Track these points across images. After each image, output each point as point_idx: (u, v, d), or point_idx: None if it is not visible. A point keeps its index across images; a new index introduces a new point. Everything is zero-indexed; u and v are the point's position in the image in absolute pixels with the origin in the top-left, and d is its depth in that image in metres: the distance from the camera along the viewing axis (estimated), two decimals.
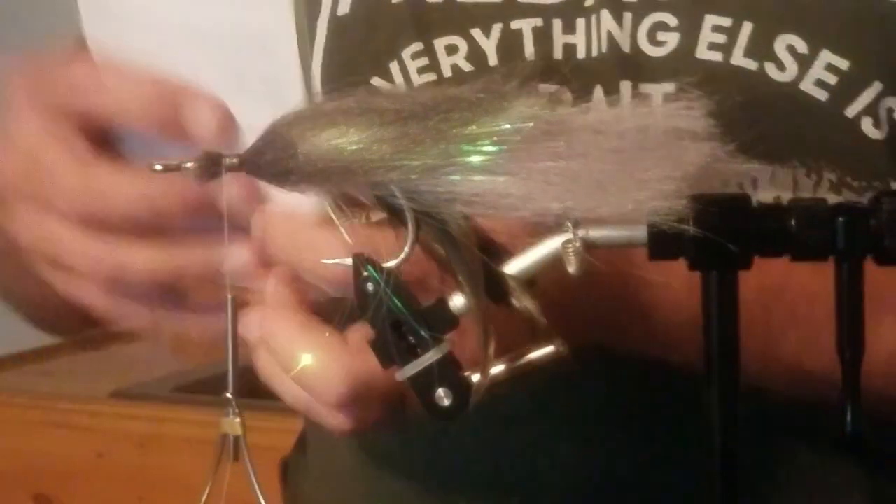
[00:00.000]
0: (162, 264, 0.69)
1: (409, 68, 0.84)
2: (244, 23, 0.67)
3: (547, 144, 0.55)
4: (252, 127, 0.63)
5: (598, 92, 0.81)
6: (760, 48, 0.80)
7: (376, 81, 0.84)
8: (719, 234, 0.55)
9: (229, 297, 0.63)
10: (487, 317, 0.58)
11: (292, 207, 0.64)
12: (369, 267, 0.58)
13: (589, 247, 0.57)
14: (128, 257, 0.69)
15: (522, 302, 0.59)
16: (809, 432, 0.80)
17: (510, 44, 0.83)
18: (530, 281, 0.59)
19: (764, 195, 0.79)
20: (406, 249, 0.57)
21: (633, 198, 0.55)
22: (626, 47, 0.81)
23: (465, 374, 0.59)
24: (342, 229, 0.58)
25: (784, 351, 0.74)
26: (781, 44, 0.80)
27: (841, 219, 0.56)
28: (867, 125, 0.80)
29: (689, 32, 0.81)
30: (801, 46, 0.80)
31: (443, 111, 0.55)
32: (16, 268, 0.75)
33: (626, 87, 0.81)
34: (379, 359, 0.59)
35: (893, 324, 0.71)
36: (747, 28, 0.80)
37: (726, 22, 0.80)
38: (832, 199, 0.79)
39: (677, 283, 0.61)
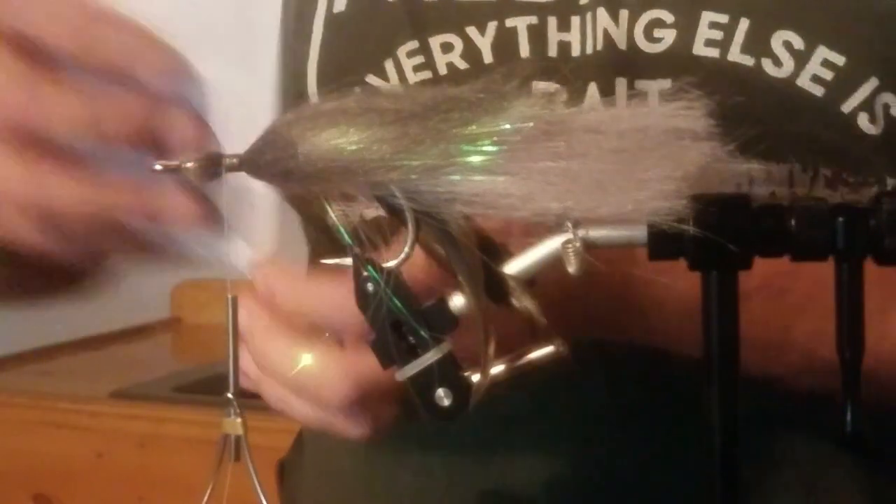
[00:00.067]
0: (92, 200, 0.67)
1: (404, 67, 0.84)
2: None
3: (547, 144, 0.55)
4: (216, 86, 0.64)
5: (593, 89, 0.81)
6: (757, 44, 0.80)
7: (371, 79, 0.84)
8: (719, 234, 0.55)
9: (229, 297, 0.63)
10: (487, 317, 0.58)
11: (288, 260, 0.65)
12: (369, 267, 0.58)
13: (589, 247, 0.57)
14: (58, 189, 0.67)
15: (522, 302, 0.59)
16: (810, 431, 0.80)
17: (505, 42, 0.83)
18: (530, 281, 0.59)
19: (760, 191, 0.79)
20: (406, 249, 0.57)
21: (633, 198, 0.55)
22: (622, 44, 0.82)
23: (465, 374, 0.59)
24: (342, 230, 0.58)
25: (797, 338, 0.74)
26: (778, 40, 0.80)
27: (841, 219, 0.56)
28: (863, 121, 0.80)
29: (686, 29, 0.81)
30: (798, 42, 0.80)
31: (443, 111, 0.55)
32: None
33: (621, 84, 0.81)
34: (379, 359, 0.59)
35: None
36: (744, 24, 0.80)
37: (723, 18, 0.81)
38: (828, 195, 0.80)
39: (681, 279, 0.61)
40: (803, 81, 0.80)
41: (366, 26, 0.86)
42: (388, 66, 0.84)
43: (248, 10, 0.67)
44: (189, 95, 0.66)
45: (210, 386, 1.86)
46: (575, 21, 0.83)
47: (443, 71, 0.84)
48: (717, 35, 0.81)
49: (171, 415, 1.89)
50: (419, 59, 0.84)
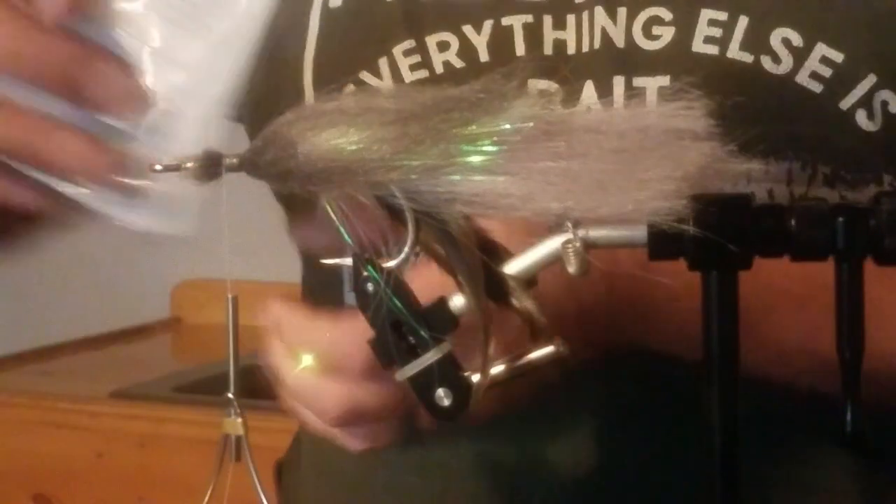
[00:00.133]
0: None
1: (400, 65, 0.84)
2: None
3: (547, 144, 0.55)
4: (186, 64, 0.64)
5: (590, 87, 0.81)
6: (756, 41, 0.80)
7: (365, 76, 0.85)
8: (719, 234, 0.55)
9: (229, 297, 0.63)
10: (487, 317, 0.58)
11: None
12: (369, 267, 0.58)
13: (589, 247, 0.57)
14: None
15: (522, 302, 0.59)
16: (809, 431, 0.80)
17: (501, 40, 0.83)
18: (530, 281, 0.59)
19: (758, 188, 0.80)
20: (406, 249, 0.57)
21: (633, 198, 0.55)
22: (620, 42, 0.82)
23: (465, 374, 0.59)
24: (342, 230, 0.58)
25: (800, 334, 0.74)
26: (777, 37, 0.80)
27: (841, 219, 0.56)
28: (861, 118, 0.80)
29: (685, 26, 0.81)
30: (797, 39, 0.80)
31: (443, 111, 0.55)
32: None
33: (618, 82, 0.81)
34: (379, 359, 0.59)
35: None
36: (743, 22, 0.81)
37: (722, 16, 0.81)
38: (826, 192, 0.80)
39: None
40: (802, 78, 0.80)
41: (362, 23, 0.86)
42: (383, 63, 0.84)
43: None
44: (121, 52, 0.65)
45: (210, 386, 1.86)
46: (570, 19, 0.83)
47: (439, 70, 0.84)
48: (717, 32, 0.81)
49: (171, 415, 1.89)
50: (416, 58, 0.84)
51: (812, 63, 0.80)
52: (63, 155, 0.65)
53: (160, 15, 0.67)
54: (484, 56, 0.84)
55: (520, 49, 0.83)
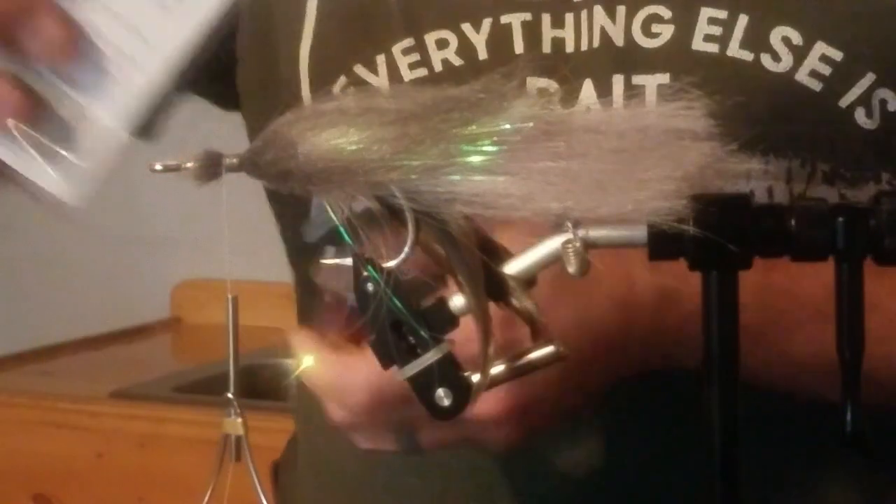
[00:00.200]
0: None
1: (399, 64, 0.84)
2: None
3: (547, 144, 0.55)
4: (137, 29, 0.64)
5: (588, 86, 0.81)
6: (756, 40, 0.81)
7: (360, 70, 0.85)
8: (719, 234, 0.55)
9: (229, 297, 0.63)
10: (487, 317, 0.58)
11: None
12: (369, 267, 0.58)
13: (589, 247, 0.57)
14: None
15: (522, 302, 0.59)
16: (810, 431, 0.80)
17: (500, 38, 0.83)
18: (530, 281, 0.59)
19: (758, 186, 0.80)
20: (406, 249, 0.57)
21: (633, 198, 0.55)
22: (619, 41, 0.82)
23: (465, 374, 0.59)
24: (342, 229, 0.58)
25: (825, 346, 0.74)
26: (777, 36, 0.81)
27: (841, 219, 0.56)
28: (860, 115, 0.80)
29: (685, 24, 0.81)
30: (796, 38, 0.80)
31: (443, 111, 0.55)
32: None
33: (618, 81, 0.81)
34: (379, 359, 0.59)
35: None
36: (743, 20, 0.81)
37: (722, 14, 0.81)
38: (825, 189, 0.80)
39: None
40: (802, 76, 0.80)
41: (360, 16, 0.86)
42: (380, 60, 0.85)
43: None
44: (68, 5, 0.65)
45: (210, 386, 1.86)
46: (569, 18, 0.83)
47: (438, 68, 0.84)
48: (717, 31, 0.81)
49: (171, 415, 1.89)
50: (415, 57, 0.84)
51: (812, 61, 0.80)
52: None
53: None
54: (483, 54, 0.84)
55: (519, 47, 0.83)
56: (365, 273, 0.58)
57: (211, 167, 0.58)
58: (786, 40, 0.80)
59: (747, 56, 0.81)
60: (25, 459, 1.95)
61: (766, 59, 0.80)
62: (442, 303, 0.58)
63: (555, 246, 0.57)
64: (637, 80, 0.81)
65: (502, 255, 0.59)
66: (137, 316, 2.40)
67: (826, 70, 0.80)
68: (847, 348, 0.57)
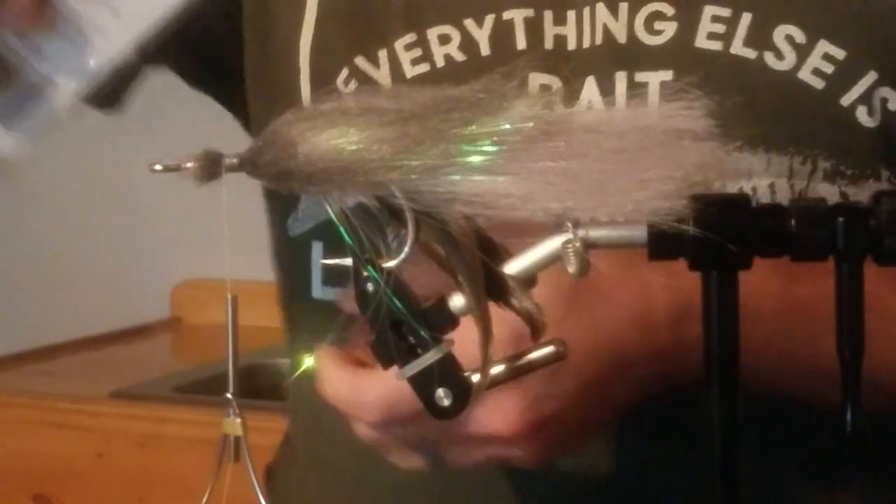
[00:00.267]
0: None
1: (401, 59, 0.84)
2: None
3: (547, 144, 0.55)
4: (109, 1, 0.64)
5: (591, 83, 0.81)
6: (759, 38, 0.81)
7: (360, 62, 0.85)
8: (719, 234, 0.55)
9: (229, 297, 0.63)
10: (487, 317, 0.58)
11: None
12: (369, 267, 0.58)
13: (589, 247, 0.57)
14: None
15: (522, 302, 0.59)
16: (810, 431, 0.80)
17: (502, 34, 0.83)
18: (530, 281, 0.59)
19: (760, 183, 0.80)
20: (406, 249, 0.57)
21: (633, 198, 0.55)
22: (621, 38, 0.82)
23: (465, 374, 0.59)
24: (342, 229, 0.58)
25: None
26: (780, 34, 0.81)
27: (841, 219, 0.56)
28: (861, 114, 0.81)
29: (688, 22, 0.82)
30: (799, 36, 0.81)
31: (443, 111, 0.55)
32: None
33: (620, 78, 0.81)
34: (379, 359, 0.59)
35: None
36: (746, 18, 0.81)
37: (725, 12, 0.81)
38: (826, 187, 0.80)
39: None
40: (804, 74, 0.81)
41: (362, 10, 0.86)
42: (382, 55, 0.85)
43: None
44: None
45: (210, 386, 1.86)
46: (571, 15, 0.83)
47: (440, 63, 0.84)
48: (720, 28, 0.81)
49: (171, 415, 1.89)
50: (417, 52, 0.84)
51: (814, 60, 0.81)
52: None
53: None
54: (485, 50, 0.84)
55: (521, 43, 0.83)
56: (365, 273, 0.58)
57: (211, 167, 0.58)
58: (789, 38, 0.81)
59: (750, 54, 0.81)
60: (25, 459, 1.94)
61: (769, 57, 0.81)
62: (442, 303, 0.58)
63: (555, 246, 0.57)
64: (640, 77, 0.81)
65: (502, 255, 0.59)
66: (137, 316, 2.40)
67: (828, 68, 0.80)
68: (847, 348, 0.57)
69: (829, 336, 0.73)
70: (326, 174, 0.56)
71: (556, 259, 0.58)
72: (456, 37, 0.84)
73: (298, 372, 0.67)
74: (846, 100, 0.81)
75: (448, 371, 0.58)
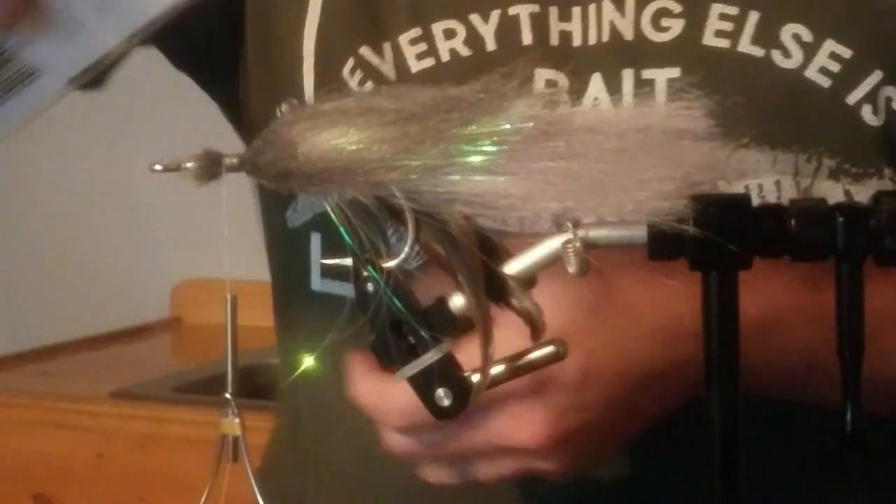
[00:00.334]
0: None
1: (406, 54, 0.84)
2: None
3: (547, 144, 0.55)
4: None
5: (597, 79, 0.81)
6: (767, 36, 0.81)
7: (365, 51, 0.85)
8: (719, 234, 0.55)
9: (228, 297, 0.63)
10: (487, 317, 0.58)
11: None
12: (369, 267, 0.58)
13: (589, 247, 0.57)
14: None
15: (522, 302, 0.59)
16: (810, 431, 0.80)
17: (508, 29, 0.83)
18: (530, 281, 0.59)
19: (766, 179, 0.80)
20: (406, 249, 0.57)
21: (633, 198, 0.55)
22: (628, 35, 0.82)
23: (465, 374, 0.59)
24: (342, 229, 0.58)
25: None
26: (787, 32, 0.81)
27: (841, 219, 0.56)
28: (867, 112, 0.81)
29: (695, 19, 0.82)
30: (807, 35, 0.81)
31: (443, 111, 0.55)
32: None
33: (627, 75, 0.81)
34: (379, 359, 0.59)
35: None
36: (754, 17, 0.82)
37: (732, 10, 0.82)
38: (830, 185, 0.80)
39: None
40: (811, 73, 0.81)
41: (366, 4, 0.86)
42: (386, 47, 0.85)
43: None
44: None
45: (210, 386, 1.86)
46: (576, 12, 0.84)
47: (445, 57, 0.84)
48: (727, 26, 0.82)
49: (171, 415, 1.88)
50: (422, 47, 0.84)
51: (821, 59, 0.81)
52: None
53: None
54: (491, 45, 0.84)
55: (527, 38, 0.83)
56: (365, 273, 0.58)
57: (211, 167, 0.58)
58: (796, 37, 0.81)
59: (758, 52, 0.81)
60: (25, 459, 1.94)
61: (776, 56, 0.81)
62: (442, 303, 0.58)
63: (555, 246, 0.57)
64: (647, 74, 0.81)
65: (502, 255, 0.59)
66: (137, 316, 2.39)
67: (835, 67, 0.81)
68: (847, 348, 0.57)
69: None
70: (326, 174, 0.56)
71: (556, 259, 0.58)
72: (461, 31, 0.84)
73: (298, 371, 0.67)
74: (852, 98, 0.81)
75: (448, 371, 0.58)
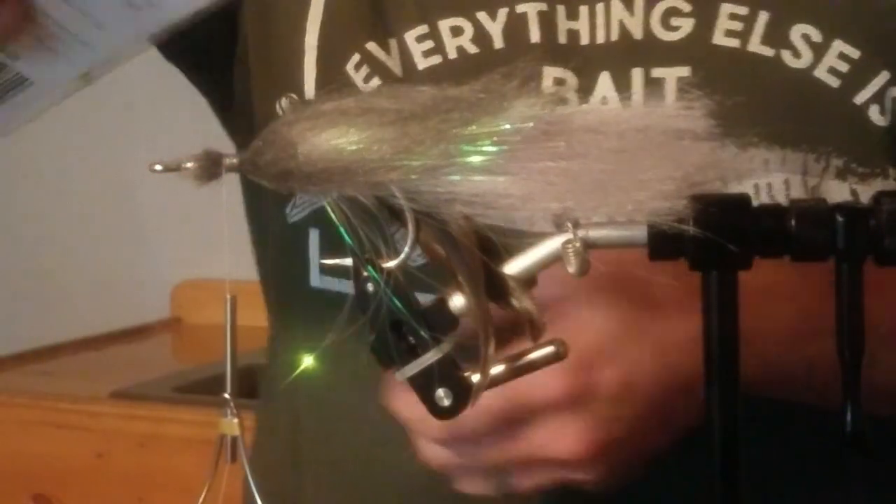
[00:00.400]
0: None
1: (412, 51, 0.84)
2: None
3: (547, 144, 0.55)
4: (94, 14, 0.65)
5: (606, 78, 0.81)
6: (777, 36, 0.82)
7: (372, 46, 0.84)
8: (719, 234, 0.55)
9: (228, 297, 0.63)
10: (487, 317, 0.58)
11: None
12: (369, 267, 0.57)
13: (589, 247, 0.57)
14: None
15: (522, 302, 0.59)
16: (810, 431, 0.80)
17: (515, 27, 0.83)
18: (530, 281, 0.59)
19: (775, 178, 0.80)
20: (406, 249, 0.57)
21: (633, 198, 0.55)
22: (638, 34, 0.82)
23: (466, 374, 0.59)
24: (342, 229, 0.58)
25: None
26: (797, 33, 0.82)
27: (841, 219, 0.56)
28: (874, 112, 0.82)
29: (705, 19, 0.82)
30: (816, 35, 0.82)
31: (443, 111, 0.55)
32: None
33: (637, 73, 0.81)
34: (379, 359, 0.59)
35: None
36: (763, 17, 0.82)
37: (742, 10, 0.82)
38: (837, 184, 0.81)
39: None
40: (820, 73, 0.82)
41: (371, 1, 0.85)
42: (392, 44, 0.84)
43: None
44: None
45: (210, 386, 1.86)
46: (583, 10, 0.84)
47: (453, 55, 0.84)
48: (737, 26, 0.82)
49: (171, 415, 1.88)
50: (429, 44, 0.84)
51: (830, 59, 0.82)
52: None
53: None
54: (498, 43, 0.84)
55: (535, 36, 0.83)
56: (365, 273, 0.58)
57: (211, 167, 0.58)
58: (805, 37, 0.82)
59: (768, 52, 0.82)
60: (25, 459, 1.94)
61: (786, 56, 0.82)
62: (442, 303, 0.58)
63: (555, 246, 0.57)
64: (656, 73, 0.81)
65: (502, 255, 0.59)
66: (137, 316, 2.40)
67: (844, 67, 0.81)
68: (847, 348, 0.57)
69: (884, 351, 0.72)
70: (326, 174, 0.56)
71: (556, 259, 0.58)
72: (468, 29, 0.84)
73: (298, 371, 0.67)
74: (859, 98, 0.82)
75: (448, 371, 0.58)
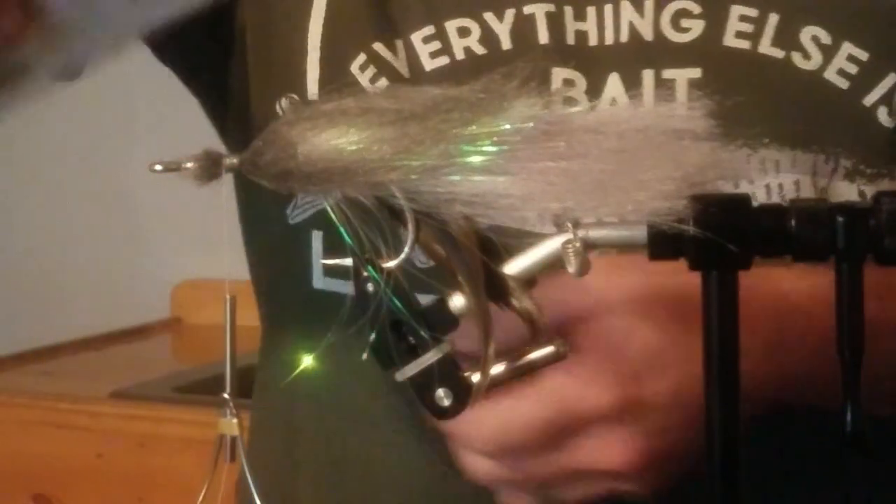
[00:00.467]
0: None
1: (419, 52, 0.84)
2: None
3: (547, 145, 0.55)
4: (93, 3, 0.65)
5: (615, 79, 0.81)
6: (787, 38, 0.82)
7: (378, 47, 0.84)
8: (719, 234, 0.55)
9: (227, 297, 0.63)
10: (487, 317, 0.58)
11: None
12: (369, 267, 0.58)
13: (589, 247, 0.57)
14: None
15: (522, 302, 0.59)
16: (810, 431, 0.80)
17: (523, 28, 0.83)
18: (530, 281, 0.59)
19: (785, 179, 0.80)
20: (406, 250, 0.57)
21: (633, 198, 0.54)
22: (648, 36, 0.83)
23: (465, 374, 0.59)
24: (342, 229, 0.58)
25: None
26: (807, 35, 0.82)
27: (841, 219, 0.56)
28: (882, 114, 0.82)
29: (715, 20, 0.82)
30: (825, 37, 0.82)
31: (443, 111, 0.55)
32: None
33: (647, 74, 0.82)
34: (379, 360, 0.59)
35: None
36: (773, 19, 0.82)
37: (752, 12, 0.82)
38: (846, 185, 0.81)
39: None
40: (830, 74, 0.82)
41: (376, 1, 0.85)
42: (399, 44, 0.84)
43: None
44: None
45: (210, 386, 1.86)
46: (591, 11, 0.84)
47: (460, 56, 0.83)
48: (748, 28, 0.82)
49: (171, 415, 1.88)
50: (436, 45, 0.84)
51: (839, 60, 0.82)
52: None
53: None
54: (506, 44, 0.83)
55: (543, 37, 0.83)
56: (365, 273, 0.58)
57: (211, 167, 0.58)
58: (815, 39, 0.82)
59: (778, 53, 0.82)
60: (25, 459, 1.94)
61: (796, 57, 0.82)
62: (442, 303, 0.58)
63: (555, 246, 0.57)
64: (667, 74, 0.81)
65: (502, 255, 0.59)
66: (137, 316, 2.40)
67: (853, 69, 0.82)
68: (847, 348, 0.57)
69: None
70: (326, 174, 0.56)
71: (556, 259, 0.58)
72: (476, 30, 0.84)
73: (297, 371, 0.67)
74: (868, 100, 0.82)
75: (448, 371, 0.58)
